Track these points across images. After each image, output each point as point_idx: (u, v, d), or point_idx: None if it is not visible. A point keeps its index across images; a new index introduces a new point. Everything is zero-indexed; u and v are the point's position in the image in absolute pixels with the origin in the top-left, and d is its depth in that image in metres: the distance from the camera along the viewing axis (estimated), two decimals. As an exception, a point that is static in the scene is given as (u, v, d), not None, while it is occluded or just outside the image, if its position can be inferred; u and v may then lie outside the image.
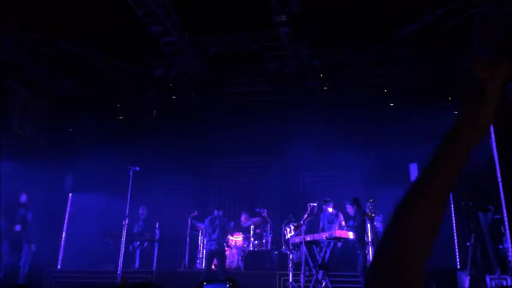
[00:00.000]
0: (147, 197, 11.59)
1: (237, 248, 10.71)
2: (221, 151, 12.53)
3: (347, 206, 9.25)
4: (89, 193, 11.71)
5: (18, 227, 9.08)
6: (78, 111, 11.40)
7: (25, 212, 9.30)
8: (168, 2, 8.70)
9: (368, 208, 8.66)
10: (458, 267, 9.41)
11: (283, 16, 8.55)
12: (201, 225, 10.55)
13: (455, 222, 9.63)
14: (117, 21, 8.97)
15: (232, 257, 10.52)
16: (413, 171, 10.78)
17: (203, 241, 10.53)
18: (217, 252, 9.22)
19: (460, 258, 9.60)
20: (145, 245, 11.17)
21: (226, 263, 9.76)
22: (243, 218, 11.32)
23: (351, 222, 9.90)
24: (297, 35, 9.22)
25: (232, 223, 11.11)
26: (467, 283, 7.65)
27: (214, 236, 9.23)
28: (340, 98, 10.90)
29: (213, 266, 9.48)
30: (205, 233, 9.58)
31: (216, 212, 9.61)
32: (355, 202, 9.04)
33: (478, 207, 8.33)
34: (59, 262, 11.21)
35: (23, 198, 9.57)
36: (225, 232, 9.52)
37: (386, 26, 9.01)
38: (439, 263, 8.40)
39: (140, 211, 11.44)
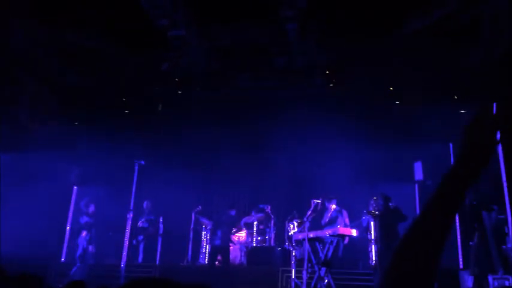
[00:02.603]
0: (151, 191, 11.63)
1: (240, 243, 10.73)
2: (226, 146, 12.52)
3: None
4: (93, 186, 11.77)
5: (83, 233, 9.96)
6: (85, 104, 11.42)
7: (91, 220, 10.09)
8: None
9: (372, 206, 8.66)
10: (461, 266, 9.40)
11: (290, 11, 8.51)
12: (205, 220, 10.57)
13: (458, 221, 9.54)
14: (125, 14, 8.95)
15: (235, 253, 10.55)
16: (418, 170, 10.77)
17: (207, 236, 10.57)
18: (222, 248, 9.26)
19: (463, 257, 9.57)
20: (149, 238, 11.23)
21: (230, 259, 9.80)
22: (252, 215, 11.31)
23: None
24: (305, 30, 9.18)
25: (243, 221, 11.10)
26: (470, 283, 7.65)
27: (219, 232, 9.27)
28: (347, 94, 10.85)
29: (216, 262, 9.52)
30: (210, 228, 9.63)
31: (229, 211, 9.71)
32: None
33: (482, 207, 8.28)
34: (63, 254, 11.29)
35: (91, 208, 10.14)
36: (230, 229, 9.56)
37: (393, 23, 8.93)
38: (441, 262, 8.36)
39: (144, 205, 11.49)
